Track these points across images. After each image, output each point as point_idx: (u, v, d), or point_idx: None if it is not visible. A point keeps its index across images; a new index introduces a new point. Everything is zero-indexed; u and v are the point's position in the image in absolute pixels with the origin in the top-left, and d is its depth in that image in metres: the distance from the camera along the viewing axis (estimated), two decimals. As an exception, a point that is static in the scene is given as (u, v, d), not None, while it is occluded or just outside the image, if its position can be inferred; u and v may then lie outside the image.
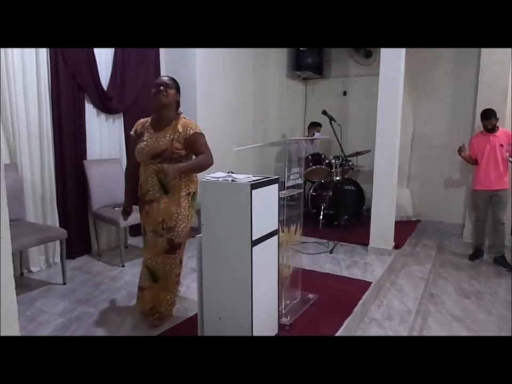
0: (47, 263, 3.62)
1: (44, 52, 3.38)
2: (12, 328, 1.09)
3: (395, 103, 3.84)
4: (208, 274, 2.18)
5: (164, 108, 2.44)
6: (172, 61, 4.61)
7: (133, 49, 4.09)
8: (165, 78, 2.48)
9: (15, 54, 3.18)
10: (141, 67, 4.22)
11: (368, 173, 5.42)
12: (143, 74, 4.24)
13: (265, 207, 2.14)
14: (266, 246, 2.17)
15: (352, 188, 4.97)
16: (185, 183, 2.46)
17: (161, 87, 2.41)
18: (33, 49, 3.29)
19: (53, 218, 3.58)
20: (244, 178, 2.10)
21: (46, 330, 2.52)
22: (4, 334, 1.06)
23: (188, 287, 3.17)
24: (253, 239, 2.02)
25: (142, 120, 2.61)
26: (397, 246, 4.19)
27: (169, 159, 2.37)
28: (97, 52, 3.77)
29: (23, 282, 3.27)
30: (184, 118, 2.50)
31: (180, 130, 2.41)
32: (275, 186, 2.20)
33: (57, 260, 3.58)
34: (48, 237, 3.15)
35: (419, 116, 5.61)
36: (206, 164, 2.42)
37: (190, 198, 2.50)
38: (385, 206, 4.00)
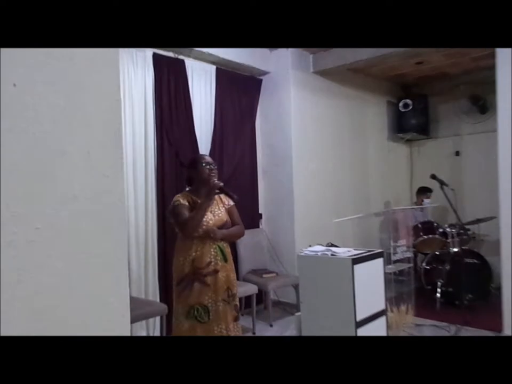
0: (147, 337, 3.62)
1: (151, 133, 3.68)
2: None
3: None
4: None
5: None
6: (267, 133, 4.73)
7: (230, 125, 4.30)
8: (210, 159, 2.58)
9: (127, 133, 3.49)
10: (238, 143, 4.39)
11: (494, 243, 4.67)
12: (240, 150, 4.41)
13: (370, 284, 1.88)
14: (373, 328, 1.88)
15: (475, 261, 4.30)
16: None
17: (213, 169, 2.49)
18: (143, 130, 3.60)
19: (154, 293, 3.64)
20: (344, 252, 1.90)
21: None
22: None
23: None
24: (357, 320, 1.77)
25: (182, 196, 2.53)
26: (541, 334, 3.38)
27: (228, 229, 2.56)
28: (198, 131, 4.01)
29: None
30: None
31: (226, 202, 2.61)
32: (379, 261, 1.93)
33: (157, 333, 3.56)
34: (150, 313, 3.18)
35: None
36: (241, 234, 2.67)
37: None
38: (520, 283, 3.31)
